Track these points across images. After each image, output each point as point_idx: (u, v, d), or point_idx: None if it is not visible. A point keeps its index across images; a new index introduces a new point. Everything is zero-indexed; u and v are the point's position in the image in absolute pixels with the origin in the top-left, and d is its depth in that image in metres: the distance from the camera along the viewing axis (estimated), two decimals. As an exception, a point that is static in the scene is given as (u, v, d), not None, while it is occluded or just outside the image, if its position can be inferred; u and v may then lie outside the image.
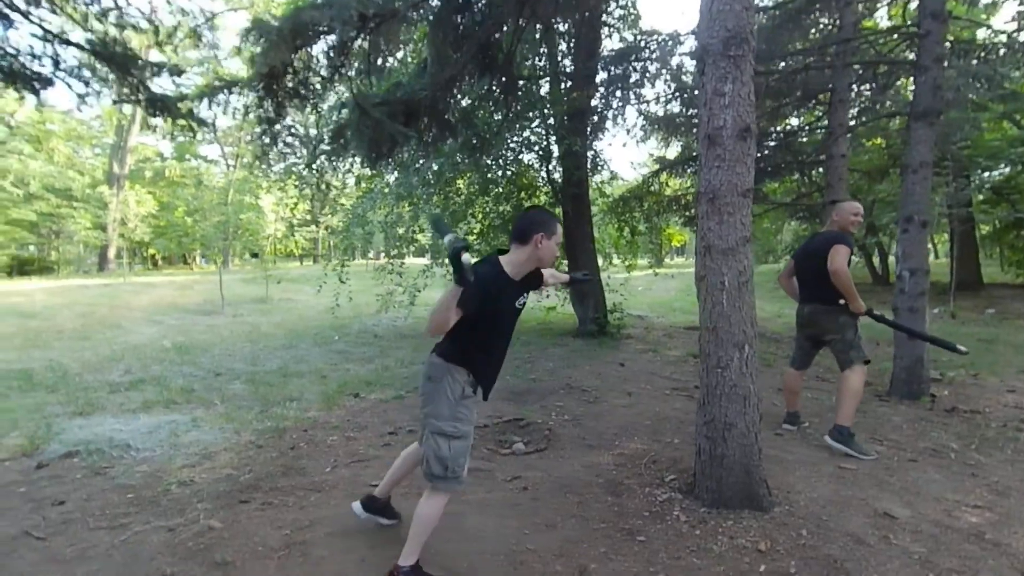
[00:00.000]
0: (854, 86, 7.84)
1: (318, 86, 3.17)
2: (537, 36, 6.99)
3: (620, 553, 2.19)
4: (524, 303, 2.07)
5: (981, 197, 11.95)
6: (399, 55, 6.77)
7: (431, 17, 3.80)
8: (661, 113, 8.57)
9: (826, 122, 7.66)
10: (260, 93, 2.91)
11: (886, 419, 3.85)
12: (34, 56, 2.72)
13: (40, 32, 2.64)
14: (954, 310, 9.72)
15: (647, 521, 2.43)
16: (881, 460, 3.08)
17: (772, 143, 9.14)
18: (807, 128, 9.30)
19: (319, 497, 2.68)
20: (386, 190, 7.61)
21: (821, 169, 8.32)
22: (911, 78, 5.62)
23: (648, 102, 7.18)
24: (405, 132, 3.29)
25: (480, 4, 3.80)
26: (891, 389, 4.42)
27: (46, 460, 3.04)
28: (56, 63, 2.77)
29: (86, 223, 19.47)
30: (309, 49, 2.93)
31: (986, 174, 11.29)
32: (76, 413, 3.96)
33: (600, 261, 9.60)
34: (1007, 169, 10.91)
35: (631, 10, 8.24)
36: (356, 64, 3.32)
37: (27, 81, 2.69)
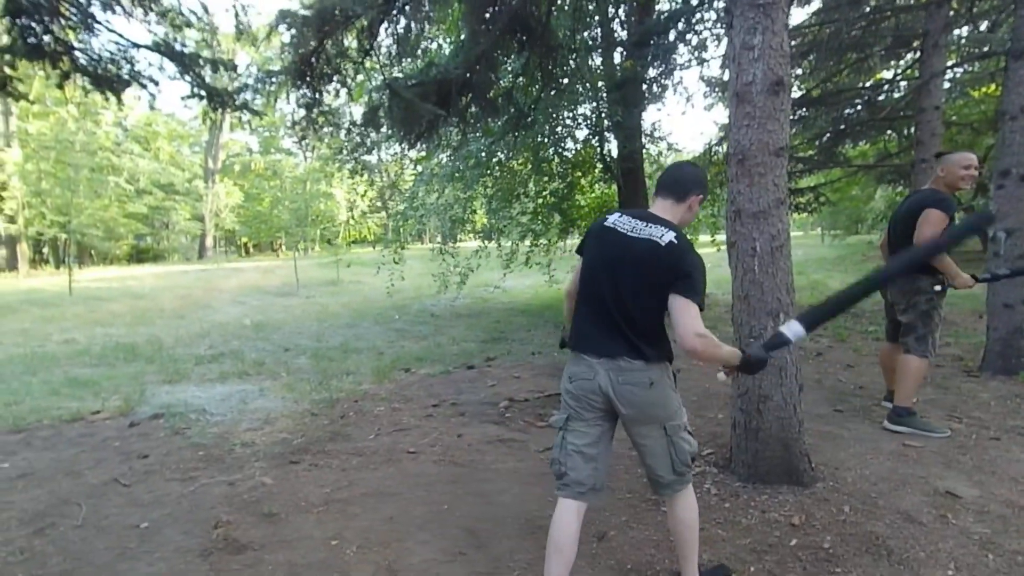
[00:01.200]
0: (953, 28, 6.87)
1: (351, 69, 3.30)
2: (592, 6, 6.71)
3: (641, 522, 2.17)
4: None
5: None
6: (439, 38, 6.80)
7: (465, -7, 3.79)
8: (727, 77, 8.01)
9: (918, 73, 6.77)
10: (295, 79, 3.09)
11: (971, 396, 3.45)
12: (113, 60, 3.07)
13: (116, 38, 3.00)
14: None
15: (675, 494, 2.37)
16: (955, 438, 2.78)
17: (858, 101, 8.22)
18: (898, 80, 8.26)
19: (360, 461, 2.87)
20: (436, 171, 7.76)
21: (913, 128, 7.37)
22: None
23: (705, 62, 6.70)
24: (436, 111, 3.34)
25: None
26: (983, 364, 3.93)
27: (137, 420, 3.49)
28: (132, 65, 3.12)
29: (185, 214, 21.77)
30: (339, 34, 3.04)
31: None
32: (166, 381, 4.49)
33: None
34: None
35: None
36: (387, 46, 3.41)
37: (109, 84, 3.05)
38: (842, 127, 8.21)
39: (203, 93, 3.24)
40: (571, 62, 6.02)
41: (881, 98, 8.06)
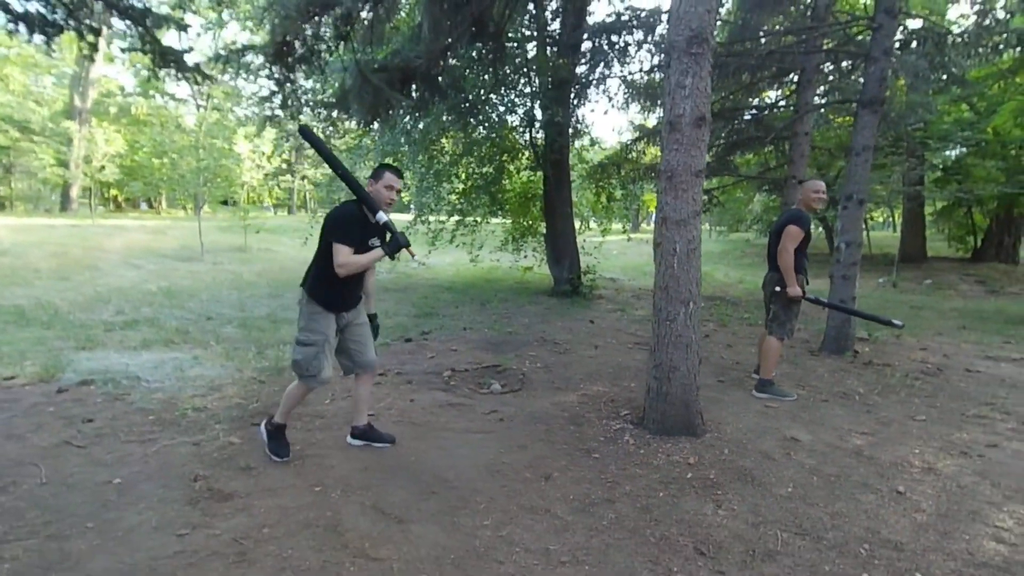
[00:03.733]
0: (823, 67, 8.22)
1: (325, 54, 3.33)
2: (531, 6, 7.01)
3: (578, 465, 2.68)
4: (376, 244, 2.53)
5: (935, 176, 12.71)
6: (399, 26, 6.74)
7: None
8: (644, 81, 8.79)
9: (796, 100, 8.03)
10: (274, 59, 3.07)
11: (812, 370, 4.46)
12: (49, 3, 2.77)
13: None
14: (896, 280, 10.57)
15: (602, 444, 2.93)
16: (799, 401, 3.67)
17: (747, 117, 9.47)
18: (781, 104, 9.65)
19: (322, 422, 3.09)
20: (372, 146, 7.71)
21: (789, 145, 8.70)
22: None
23: (632, 74, 7.36)
24: (401, 98, 3.50)
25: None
26: (822, 346, 5.04)
27: (65, 386, 3.33)
28: (70, 12, 2.84)
29: (49, 159, 18.43)
30: (318, 20, 3.07)
31: (943, 154, 12.00)
32: (79, 348, 4.21)
33: (577, 224, 9.98)
34: (957, 151, 11.59)
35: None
36: (360, 33, 3.47)
37: (40, 27, 2.77)
38: (734, 139, 9.43)
39: (152, 50, 3.06)
40: (517, 58, 6.32)
41: (767, 113, 9.39)
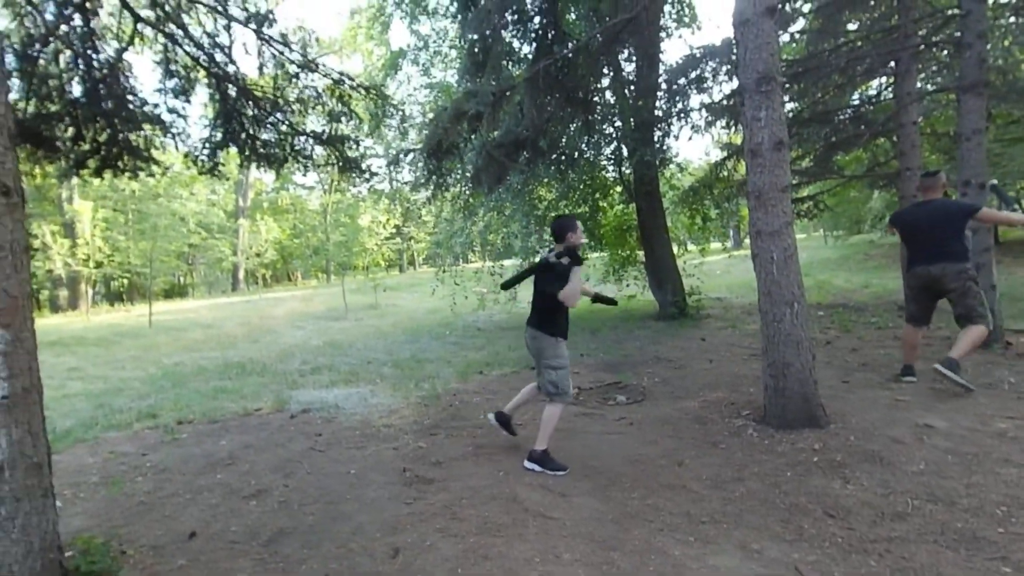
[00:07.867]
0: (921, 52, 7.86)
1: (462, 145, 4.33)
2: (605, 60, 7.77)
3: (707, 455, 3.06)
4: None
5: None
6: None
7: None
8: (725, 102, 9.01)
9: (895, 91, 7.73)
10: (429, 154, 4.10)
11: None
12: (279, 145, 4.07)
13: (285, 129, 4.03)
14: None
15: (726, 437, 3.28)
16: (935, 393, 3.66)
17: (843, 116, 9.19)
18: (882, 97, 9.24)
19: (483, 431, 3.78)
20: (479, 205, 8.82)
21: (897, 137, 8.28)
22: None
23: (712, 103, 7.66)
24: (518, 167, 4.35)
25: (567, 52, 4.74)
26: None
27: (294, 413, 4.44)
28: (293, 148, 4.13)
29: (228, 250, 23.23)
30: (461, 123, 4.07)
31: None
32: (290, 388, 5.44)
33: (675, 248, 10.20)
34: None
35: (686, 10, 8.81)
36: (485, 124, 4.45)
37: (271, 162, 4.05)
38: (833, 140, 9.16)
39: (340, 162, 4.25)
40: (599, 105, 7.03)
41: (869, 107, 9.02)
